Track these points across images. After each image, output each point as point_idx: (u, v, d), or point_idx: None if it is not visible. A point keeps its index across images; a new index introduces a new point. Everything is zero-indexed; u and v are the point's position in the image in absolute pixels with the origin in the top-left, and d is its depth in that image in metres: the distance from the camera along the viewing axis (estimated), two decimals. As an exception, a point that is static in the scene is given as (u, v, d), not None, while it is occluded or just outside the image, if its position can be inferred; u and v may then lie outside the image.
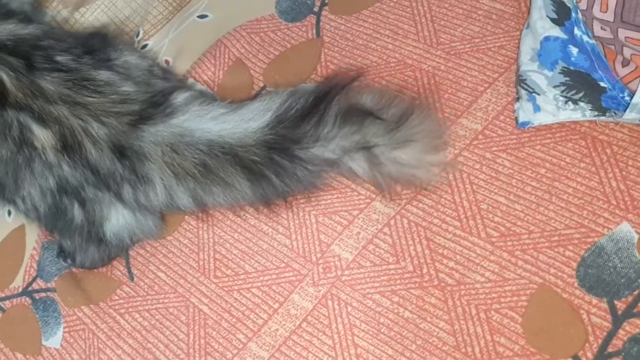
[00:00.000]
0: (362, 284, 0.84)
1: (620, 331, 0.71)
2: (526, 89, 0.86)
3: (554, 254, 0.78)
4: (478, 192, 0.84)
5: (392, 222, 0.86)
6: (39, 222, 0.93)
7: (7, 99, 0.80)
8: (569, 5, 0.81)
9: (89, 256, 0.91)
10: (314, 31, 1.08)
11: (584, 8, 0.79)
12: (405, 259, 0.84)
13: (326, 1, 1.10)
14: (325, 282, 0.85)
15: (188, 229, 0.96)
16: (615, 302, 0.73)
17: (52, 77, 0.82)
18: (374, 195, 0.89)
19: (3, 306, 1.01)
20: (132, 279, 0.95)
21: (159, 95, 0.86)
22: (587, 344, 0.71)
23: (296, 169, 0.83)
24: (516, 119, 0.87)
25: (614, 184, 0.79)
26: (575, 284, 0.75)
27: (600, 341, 0.71)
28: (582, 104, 0.82)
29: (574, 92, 0.82)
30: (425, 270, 0.82)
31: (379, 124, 0.82)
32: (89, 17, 1.25)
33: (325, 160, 0.84)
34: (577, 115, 0.83)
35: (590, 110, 0.82)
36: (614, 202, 0.78)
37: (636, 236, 0.75)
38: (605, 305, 0.73)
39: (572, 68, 0.82)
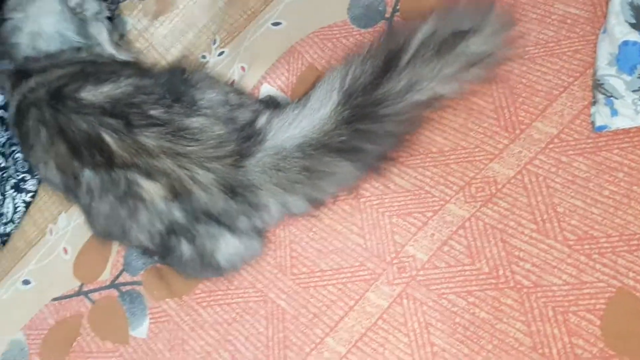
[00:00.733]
0: (437, 284, 0.86)
1: None
2: (603, 93, 0.86)
3: (633, 258, 0.78)
4: (554, 196, 0.85)
5: (466, 224, 0.88)
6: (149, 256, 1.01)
7: (114, 160, 0.87)
8: (649, 9, 0.81)
9: (205, 276, 0.98)
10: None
11: (666, 12, 0.79)
12: (480, 261, 0.85)
13: (397, 7, 1.12)
14: (400, 282, 0.88)
15: (265, 227, 1.00)
16: (699, 307, 0.72)
17: (151, 133, 0.87)
18: (447, 197, 0.91)
19: (92, 298, 1.08)
20: (212, 274, 1.00)
21: (246, 128, 0.90)
22: (669, 349, 0.71)
23: (386, 126, 0.88)
24: (593, 123, 0.88)
25: (696, 188, 0.79)
26: (656, 289, 0.75)
27: (683, 346, 0.71)
28: (663, 108, 0.82)
29: (654, 96, 0.82)
30: (501, 272, 0.83)
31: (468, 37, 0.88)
32: (168, 25, 1.32)
33: (415, 104, 0.89)
34: (657, 120, 0.83)
35: (671, 114, 0.81)
36: (697, 207, 0.78)
37: None
38: (688, 311, 0.72)
39: (652, 72, 0.82)
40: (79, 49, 1.09)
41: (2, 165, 1.20)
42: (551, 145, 0.89)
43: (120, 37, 1.19)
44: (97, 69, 1.04)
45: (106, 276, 1.08)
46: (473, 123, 0.96)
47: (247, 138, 0.89)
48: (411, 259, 0.89)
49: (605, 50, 0.88)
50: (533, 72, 0.96)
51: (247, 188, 0.87)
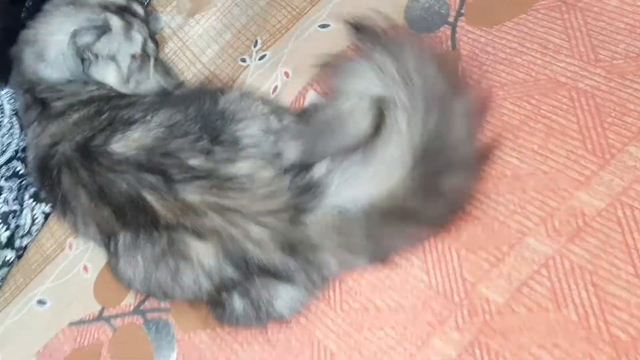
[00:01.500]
0: (517, 333, 0.73)
1: None
2: None
3: None
4: (658, 234, 0.72)
5: (550, 262, 0.76)
6: None
7: (159, 221, 0.78)
8: None
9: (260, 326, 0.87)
10: (449, 43, 0.99)
11: None
12: (567, 307, 0.73)
13: (462, 11, 1.00)
14: (471, 328, 0.76)
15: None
16: None
17: (194, 188, 0.78)
18: (526, 230, 0.79)
19: (114, 324, 0.97)
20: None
21: (301, 174, 0.79)
22: None
23: (461, 184, 0.77)
24: (702, 149, 0.75)
25: None
26: None
27: None
28: None
29: None
30: (592, 322, 0.71)
31: None
32: (204, 24, 1.22)
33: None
34: None
35: None
36: None
37: None
38: None
39: None
40: (86, 83, 0.99)
41: (21, 171, 1.10)
42: (651, 174, 0.76)
43: (151, 38, 1.09)
44: (115, 107, 0.92)
45: (130, 300, 0.98)
46: (554, 145, 0.84)
47: (305, 190, 0.77)
48: (484, 300, 0.76)
49: None
50: (623, 88, 0.84)
51: (307, 247, 0.76)
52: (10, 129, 1.13)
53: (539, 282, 0.75)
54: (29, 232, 1.10)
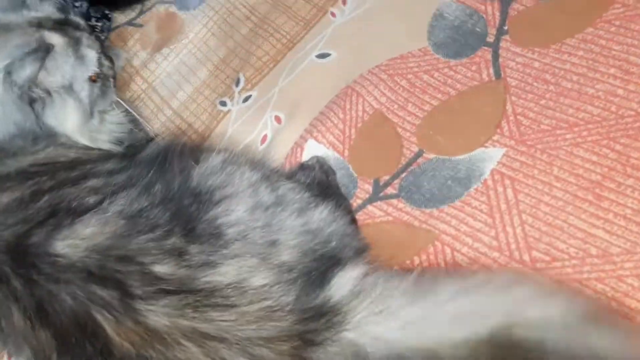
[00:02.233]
0: None
1: None
2: None
3: None
4: None
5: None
6: None
7: (112, 352, 0.57)
8: None
9: None
10: (491, 70, 0.75)
11: None
12: None
13: (505, 27, 0.76)
14: None
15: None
16: None
17: (161, 307, 0.56)
18: None
19: None
20: None
21: (311, 286, 0.57)
22: None
23: None
24: None
25: None
26: None
27: None
28: None
29: None
30: None
31: None
32: (174, 60, 0.98)
33: None
34: None
35: None
36: None
37: None
38: None
39: None
40: (35, 139, 0.73)
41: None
42: None
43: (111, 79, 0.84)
44: (61, 184, 0.69)
45: None
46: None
47: (317, 315, 0.55)
48: None
49: None
50: None
51: None
52: None
53: None
54: None
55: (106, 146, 0.79)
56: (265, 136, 0.84)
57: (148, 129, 0.89)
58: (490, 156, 0.70)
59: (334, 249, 0.64)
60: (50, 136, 0.75)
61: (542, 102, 0.70)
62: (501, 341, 0.51)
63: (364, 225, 0.73)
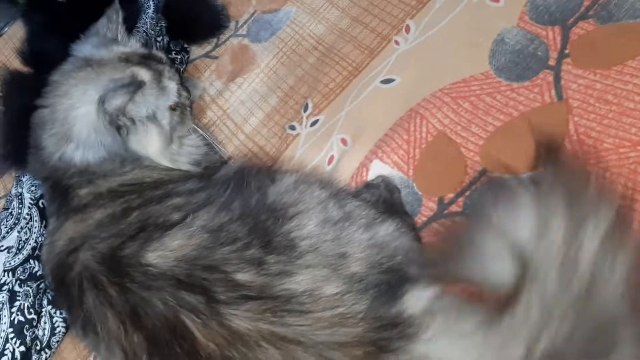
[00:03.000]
0: None
1: None
2: None
3: None
4: None
5: None
6: None
7: (199, 352, 0.62)
8: None
9: None
10: (553, 92, 0.77)
11: None
12: None
13: (566, 51, 0.79)
14: None
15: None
16: None
17: (243, 311, 0.60)
18: None
19: None
20: None
21: (384, 297, 0.61)
22: None
23: None
24: None
25: None
26: None
27: None
28: None
29: None
30: None
31: None
32: (247, 89, 1.05)
33: None
34: None
35: None
36: None
37: None
38: None
39: None
40: (123, 162, 0.81)
41: (39, 272, 0.94)
42: None
43: (189, 106, 0.91)
44: (148, 202, 0.77)
45: None
46: None
47: (390, 326, 0.59)
48: None
49: None
50: None
51: None
52: (28, 222, 0.98)
53: None
54: (47, 345, 0.92)
55: (185, 167, 0.86)
56: (332, 157, 0.89)
57: (222, 152, 0.96)
58: (554, 174, 0.71)
59: (400, 263, 0.66)
60: (136, 159, 0.82)
61: (605, 121, 0.72)
62: None
63: (429, 242, 0.76)
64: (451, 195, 0.77)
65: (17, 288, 0.93)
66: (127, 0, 0.99)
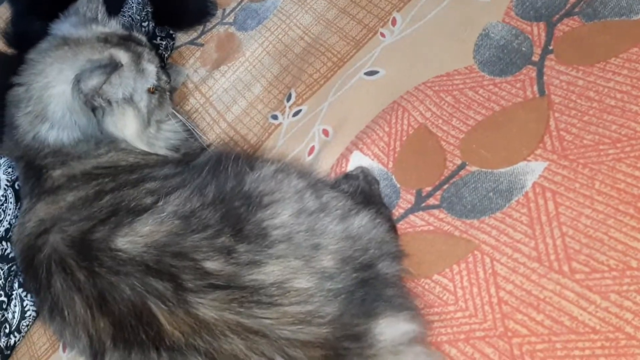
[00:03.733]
0: None
1: None
2: None
3: None
4: None
5: None
6: None
7: (164, 339, 0.61)
8: None
9: None
10: (536, 88, 0.77)
11: None
12: None
13: (550, 47, 0.78)
14: None
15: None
16: None
17: (210, 300, 0.60)
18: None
19: None
20: None
21: (356, 313, 0.60)
22: None
23: None
24: None
25: None
26: None
27: None
28: None
29: None
30: None
31: None
32: (231, 77, 1.04)
33: None
34: None
35: None
36: None
37: None
38: None
39: None
40: (98, 144, 0.80)
41: (11, 254, 0.92)
42: None
43: (170, 92, 0.90)
44: (121, 186, 0.75)
45: None
46: None
47: (355, 338, 0.59)
48: None
49: None
50: None
51: None
52: (3, 204, 0.96)
53: None
54: (17, 329, 0.91)
55: (162, 152, 0.84)
56: (312, 148, 0.88)
57: (202, 139, 0.94)
58: (532, 169, 0.71)
59: (372, 256, 0.66)
60: (112, 142, 0.81)
61: (586, 118, 0.71)
62: None
63: (405, 234, 0.75)
64: (429, 188, 0.77)
65: (-12, 269, 0.91)
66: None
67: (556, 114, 0.73)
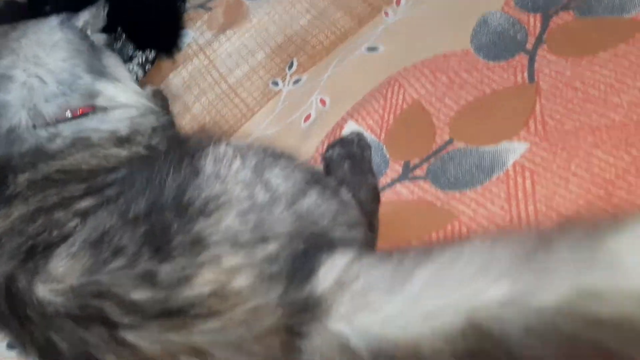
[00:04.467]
0: None
1: None
2: None
3: None
4: None
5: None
6: None
7: None
8: None
9: None
10: (526, 74, 0.80)
11: None
12: None
13: (544, 37, 0.82)
14: None
15: None
16: None
17: (149, 333, 0.54)
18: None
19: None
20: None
21: (295, 281, 0.54)
22: None
23: None
24: None
25: None
26: None
27: None
28: None
29: None
30: None
31: None
32: (236, 42, 1.07)
33: None
34: None
35: None
36: None
37: None
38: None
39: None
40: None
41: None
42: None
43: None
44: (58, 205, 0.66)
45: None
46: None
47: (302, 308, 0.53)
48: None
49: None
50: None
51: None
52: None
53: None
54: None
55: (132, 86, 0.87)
56: (309, 115, 0.92)
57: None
58: (515, 149, 0.75)
59: (323, 227, 0.61)
60: (85, 137, 0.76)
61: (569, 106, 0.75)
62: (472, 332, 0.45)
63: (390, 201, 0.79)
64: (417, 160, 0.80)
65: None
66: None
67: (543, 100, 0.77)
